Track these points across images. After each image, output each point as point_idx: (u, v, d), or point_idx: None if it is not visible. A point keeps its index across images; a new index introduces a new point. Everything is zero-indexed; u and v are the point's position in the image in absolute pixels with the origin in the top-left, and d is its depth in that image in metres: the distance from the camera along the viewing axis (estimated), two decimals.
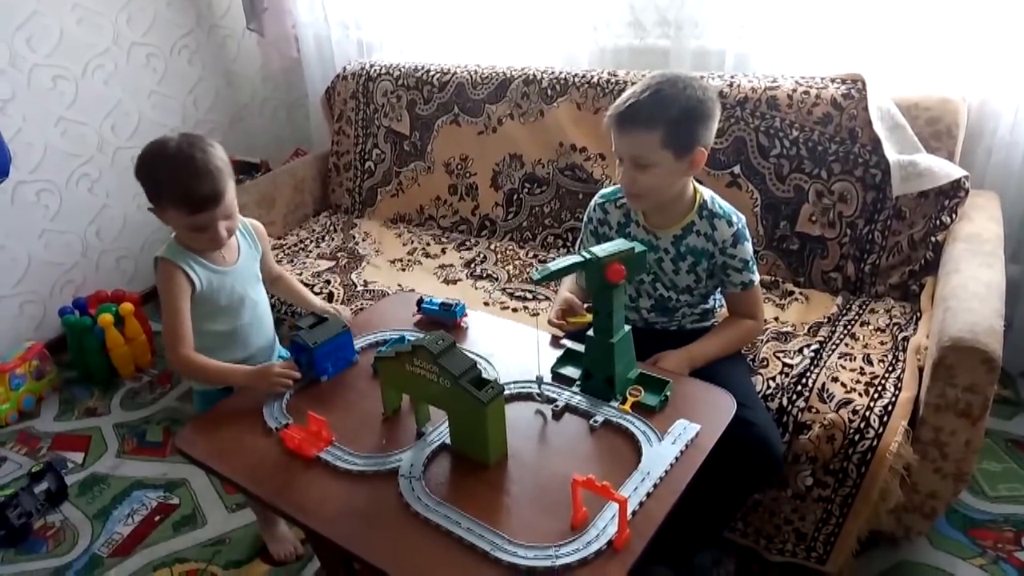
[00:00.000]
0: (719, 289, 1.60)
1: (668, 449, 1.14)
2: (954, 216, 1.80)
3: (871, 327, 1.76)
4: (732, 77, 2.07)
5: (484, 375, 1.14)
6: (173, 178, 1.36)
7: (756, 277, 1.52)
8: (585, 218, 1.67)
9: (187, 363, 1.42)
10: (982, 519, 1.76)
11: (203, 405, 1.58)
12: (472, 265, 2.29)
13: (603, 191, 1.64)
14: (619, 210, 1.58)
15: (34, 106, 2.53)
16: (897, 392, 1.51)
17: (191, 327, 1.43)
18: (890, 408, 1.47)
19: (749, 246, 1.50)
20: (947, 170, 1.80)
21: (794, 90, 1.96)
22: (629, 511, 1.02)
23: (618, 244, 1.26)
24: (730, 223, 1.48)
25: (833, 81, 1.96)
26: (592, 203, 1.64)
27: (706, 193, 1.51)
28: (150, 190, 1.40)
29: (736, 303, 1.57)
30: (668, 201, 1.49)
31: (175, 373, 1.53)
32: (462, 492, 1.11)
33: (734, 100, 2.03)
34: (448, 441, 1.20)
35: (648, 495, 1.06)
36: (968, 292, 1.52)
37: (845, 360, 1.63)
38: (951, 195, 1.81)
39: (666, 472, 1.10)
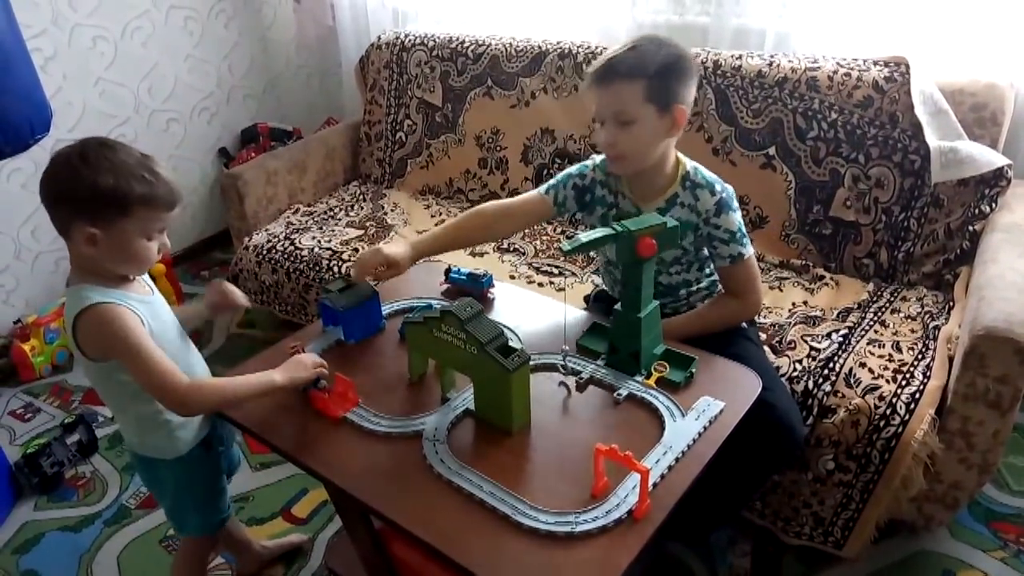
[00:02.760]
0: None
1: (691, 425, 1.15)
2: (994, 205, 1.77)
3: (902, 315, 1.74)
4: (772, 56, 2.04)
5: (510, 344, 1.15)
6: (142, 176, 1.16)
7: (746, 251, 1.43)
8: (575, 170, 1.54)
9: (198, 391, 1.19)
10: (1005, 512, 1.74)
11: (152, 481, 1.40)
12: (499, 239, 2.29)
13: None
14: (614, 180, 1.52)
15: (74, 65, 2.56)
16: (925, 380, 1.49)
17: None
18: (917, 396, 1.46)
19: (735, 216, 1.43)
20: (989, 158, 1.76)
21: (835, 71, 1.93)
22: (650, 483, 1.02)
23: (650, 218, 1.25)
24: (713, 192, 1.42)
25: (876, 64, 1.91)
26: (594, 161, 1.53)
27: (689, 164, 1.46)
28: (109, 201, 1.15)
29: (726, 278, 1.49)
30: (650, 168, 1.43)
31: (188, 413, 1.27)
32: (484, 457, 1.12)
33: (773, 80, 1.99)
34: (472, 407, 1.21)
35: (669, 468, 1.07)
36: (1005, 282, 1.49)
37: (874, 346, 1.61)
38: (992, 184, 1.77)
39: (688, 447, 1.10)
